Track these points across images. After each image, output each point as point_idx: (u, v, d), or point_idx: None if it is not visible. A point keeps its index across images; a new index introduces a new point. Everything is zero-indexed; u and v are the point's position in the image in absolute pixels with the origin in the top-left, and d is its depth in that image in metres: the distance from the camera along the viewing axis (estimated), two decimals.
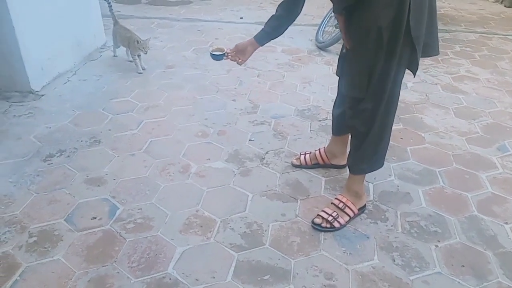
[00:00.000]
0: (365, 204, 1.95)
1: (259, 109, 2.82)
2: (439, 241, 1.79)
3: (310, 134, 2.55)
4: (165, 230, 1.79)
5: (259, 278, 1.59)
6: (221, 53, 2.04)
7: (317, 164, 2.22)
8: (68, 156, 2.26)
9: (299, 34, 4.26)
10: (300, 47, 3.94)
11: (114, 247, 1.70)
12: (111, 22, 3.47)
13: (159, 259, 1.65)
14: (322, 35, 3.96)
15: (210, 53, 2.06)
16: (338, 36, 3.72)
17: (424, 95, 3.04)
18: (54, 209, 1.89)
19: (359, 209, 1.90)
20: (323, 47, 3.89)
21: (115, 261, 1.63)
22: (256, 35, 1.95)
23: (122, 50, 3.47)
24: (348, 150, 1.97)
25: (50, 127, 2.51)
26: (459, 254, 1.73)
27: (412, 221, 1.89)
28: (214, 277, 1.59)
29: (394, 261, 1.69)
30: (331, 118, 2.13)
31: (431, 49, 1.66)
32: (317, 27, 4.10)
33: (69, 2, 3.19)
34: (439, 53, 1.71)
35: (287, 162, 2.28)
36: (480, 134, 2.61)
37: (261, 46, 1.97)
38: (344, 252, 1.72)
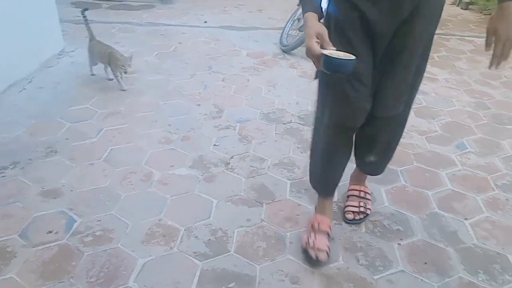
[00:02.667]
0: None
1: (224, 114, 2.80)
2: (401, 240, 1.81)
3: (275, 138, 2.54)
4: (126, 241, 1.73)
5: (224, 287, 1.56)
6: (352, 57, 1.22)
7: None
8: (23, 167, 2.16)
9: (264, 38, 4.26)
10: (265, 51, 3.94)
11: (71, 262, 1.62)
12: (71, 29, 3.35)
13: (119, 272, 1.59)
14: (286, 39, 3.97)
15: (328, 57, 1.22)
16: (302, 39, 3.74)
17: None
18: (7, 224, 1.80)
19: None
20: (287, 50, 3.90)
21: (72, 277, 1.56)
22: (312, 7, 1.34)
23: (99, 68, 3.28)
24: None
25: (3, 138, 2.39)
26: (421, 251, 1.76)
27: (375, 221, 1.91)
28: None
29: (359, 261, 1.70)
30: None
31: None
32: (281, 31, 4.11)
33: (23, 7, 3.06)
34: None
35: (252, 166, 2.26)
36: (439, 132, 2.67)
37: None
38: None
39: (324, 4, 1.38)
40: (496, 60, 1.39)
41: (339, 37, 1.41)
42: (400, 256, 1.72)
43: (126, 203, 1.95)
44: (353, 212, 1.88)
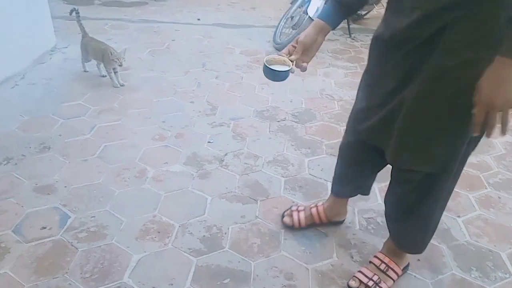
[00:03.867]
0: (409, 263, 1.65)
1: (218, 111, 2.79)
2: None
3: (269, 135, 2.55)
4: (120, 237, 1.73)
5: (218, 283, 1.56)
6: (286, 68, 1.30)
7: (313, 223, 1.83)
8: (16, 163, 2.14)
9: (257, 36, 4.26)
10: (258, 49, 3.94)
11: (65, 257, 1.62)
12: (63, 25, 3.32)
13: (113, 268, 1.59)
14: (279, 37, 3.98)
15: (269, 69, 1.30)
16: (296, 37, 3.74)
17: None
18: (1, 220, 1.78)
19: (403, 269, 1.62)
20: (280, 48, 3.90)
21: (67, 272, 1.55)
22: (322, 15, 1.33)
23: (92, 65, 3.24)
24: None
25: None
26: None
27: (369, 218, 1.92)
28: (172, 284, 1.54)
29: (353, 258, 1.71)
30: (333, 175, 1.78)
31: None
32: (274, 29, 4.11)
33: (15, 3, 3.03)
34: None
35: (246, 163, 2.26)
36: None
37: (334, 29, 1.35)
38: (304, 252, 1.72)
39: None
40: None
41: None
42: None
43: (120, 200, 1.94)
44: (360, 281, 1.56)
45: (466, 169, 2.25)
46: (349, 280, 1.58)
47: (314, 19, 3.51)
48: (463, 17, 1.03)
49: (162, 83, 3.13)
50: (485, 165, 2.37)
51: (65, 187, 2.00)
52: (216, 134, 2.52)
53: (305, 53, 1.33)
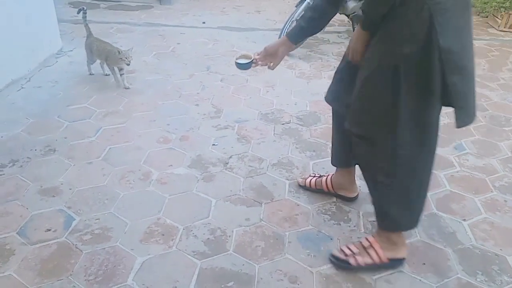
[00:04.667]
0: (403, 259, 1.67)
1: (223, 114, 2.80)
2: None
3: (274, 138, 2.55)
4: (125, 240, 1.73)
5: (222, 286, 1.56)
6: (248, 60, 1.85)
7: (322, 190, 2.03)
8: (21, 166, 2.15)
9: (262, 39, 4.27)
10: None
11: (69, 260, 1.62)
12: (69, 28, 3.35)
13: (118, 270, 1.59)
14: None
15: (235, 62, 1.87)
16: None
17: None
18: (6, 222, 1.79)
19: (390, 260, 1.64)
20: None
21: (71, 275, 1.56)
22: (288, 33, 1.70)
23: (97, 67, 3.26)
24: (354, 181, 1.96)
25: (2, 136, 2.39)
26: (420, 252, 1.76)
27: (374, 221, 1.89)
28: (176, 287, 1.54)
29: None
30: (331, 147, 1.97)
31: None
32: (279, 32, 4.11)
33: (22, 7, 3.06)
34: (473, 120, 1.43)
35: (251, 166, 2.26)
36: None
37: (295, 45, 1.72)
38: (308, 255, 1.71)
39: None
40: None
41: None
42: None
43: (125, 202, 1.94)
44: (344, 252, 1.67)
45: (471, 172, 2.28)
46: (334, 251, 1.71)
47: None
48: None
49: (167, 86, 3.14)
50: (491, 168, 2.35)
51: (70, 189, 2.00)
52: (221, 136, 2.52)
53: (269, 58, 1.77)
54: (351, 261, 1.63)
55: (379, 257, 1.63)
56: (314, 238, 1.80)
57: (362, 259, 1.63)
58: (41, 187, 2.01)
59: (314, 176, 2.09)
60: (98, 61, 3.15)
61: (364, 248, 1.65)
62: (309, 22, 1.63)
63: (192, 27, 4.54)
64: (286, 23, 4.07)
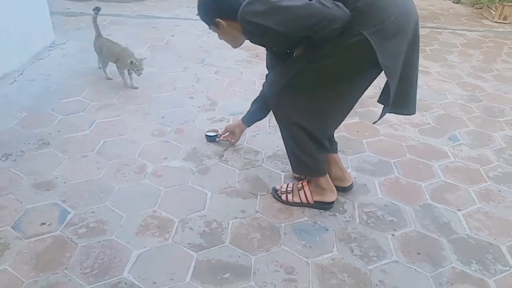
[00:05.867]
0: (331, 203, 1.91)
1: (217, 106, 2.79)
2: (395, 230, 1.82)
3: (269, 130, 2.54)
4: (120, 233, 1.73)
5: (219, 277, 1.56)
6: (215, 133, 2.37)
7: None
8: (15, 160, 2.13)
9: None
10: None
11: (65, 253, 1.61)
12: (62, 21, 3.31)
13: (113, 263, 1.58)
14: None
15: (205, 134, 2.37)
16: None
17: (378, 89, 3.07)
18: (0, 216, 1.78)
19: (315, 201, 1.90)
20: None
21: (67, 268, 1.55)
22: (243, 117, 2.18)
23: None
24: (345, 170, 2.02)
25: None
26: (415, 242, 1.77)
27: (369, 212, 1.92)
28: (172, 279, 1.54)
29: (353, 251, 1.71)
30: None
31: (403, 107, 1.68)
32: None
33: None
34: (415, 112, 1.71)
35: (246, 158, 2.26)
36: (432, 125, 2.69)
37: (248, 127, 2.22)
38: (304, 246, 1.72)
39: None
40: None
41: None
42: (393, 247, 1.74)
43: (120, 195, 1.94)
44: (281, 188, 1.96)
45: (465, 162, 2.29)
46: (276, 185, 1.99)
47: None
48: None
49: (161, 79, 3.12)
50: (484, 158, 2.36)
51: (65, 183, 1.99)
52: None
53: (230, 135, 2.31)
54: (283, 197, 1.93)
55: (307, 199, 1.90)
56: (310, 229, 1.80)
57: (292, 198, 1.92)
58: (35, 180, 2.00)
59: None
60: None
61: (298, 189, 1.91)
62: (256, 109, 2.10)
63: (186, 19, 4.50)
64: None
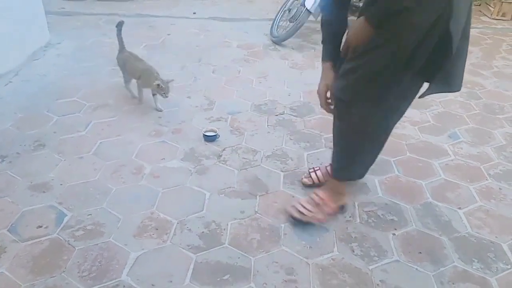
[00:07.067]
0: (345, 204, 1.88)
1: (215, 106, 2.76)
2: (396, 229, 1.81)
3: (267, 129, 2.52)
4: (118, 235, 1.70)
5: (218, 279, 1.54)
6: (214, 133, 2.33)
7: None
8: (10, 162, 2.11)
9: (254, 29, 4.22)
10: (255, 42, 3.90)
11: (62, 256, 1.59)
12: (57, 21, 3.27)
13: (111, 266, 1.56)
14: (276, 30, 3.94)
15: (203, 134, 2.33)
16: (293, 30, 3.71)
17: None
18: None
19: (339, 207, 1.84)
20: (278, 41, 3.87)
21: (64, 271, 1.53)
22: (325, 56, 1.70)
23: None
24: None
25: None
26: (416, 241, 1.76)
27: (369, 211, 1.90)
28: (171, 281, 1.52)
29: (353, 251, 1.69)
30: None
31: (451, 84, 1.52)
32: (271, 22, 4.07)
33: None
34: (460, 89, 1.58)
35: (245, 158, 2.23)
36: (431, 123, 2.67)
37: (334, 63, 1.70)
38: (304, 246, 1.70)
39: None
40: None
41: None
42: (394, 246, 1.72)
43: (117, 197, 1.91)
44: (299, 211, 1.79)
45: (466, 160, 2.28)
46: (290, 210, 1.82)
47: (311, 11, 3.49)
48: None
49: None
50: (485, 156, 2.35)
51: (61, 184, 1.97)
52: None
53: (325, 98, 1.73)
54: (314, 221, 1.79)
55: (332, 209, 1.81)
56: (310, 230, 1.78)
57: (322, 216, 1.79)
58: (31, 183, 1.97)
59: (314, 170, 2.05)
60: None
61: (318, 205, 1.79)
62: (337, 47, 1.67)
63: (182, 18, 4.47)
64: (278, 12, 4.03)
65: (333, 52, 1.66)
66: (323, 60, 1.70)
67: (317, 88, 1.71)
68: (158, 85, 2.50)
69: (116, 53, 2.83)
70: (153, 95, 2.65)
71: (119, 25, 2.79)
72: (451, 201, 1.99)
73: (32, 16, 3.36)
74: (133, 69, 2.68)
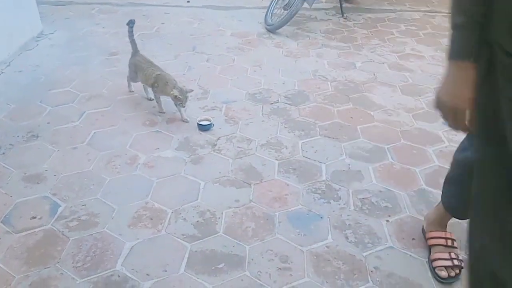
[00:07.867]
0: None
1: (210, 95, 2.75)
2: (390, 216, 1.81)
3: (262, 118, 2.51)
4: (112, 225, 1.70)
5: (213, 268, 1.55)
6: (208, 122, 2.34)
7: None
8: (4, 153, 2.10)
9: (248, 17, 4.19)
10: (250, 30, 3.87)
11: (56, 247, 1.59)
12: (49, 10, 3.23)
13: (106, 256, 1.57)
14: (271, 18, 3.91)
15: (197, 123, 2.33)
16: (287, 18, 3.68)
17: (372, 74, 3.07)
18: None
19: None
20: (272, 29, 3.84)
21: (58, 262, 1.53)
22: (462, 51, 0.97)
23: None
24: None
25: None
26: (410, 227, 1.76)
27: (363, 198, 1.91)
28: (166, 270, 1.53)
29: (348, 238, 1.70)
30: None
31: None
32: (266, 10, 4.04)
33: None
34: None
35: (239, 147, 2.23)
36: (426, 109, 2.67)
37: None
38: (298, 234, 1.71)
39: None
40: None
41: None
42: (388, 233, 1.73)
43: (112, 187, 1.91)
44: (446, 267, 1.55)
45: None
46: (436, 271, 1.55)
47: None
48: None
49: None
50: None
51: (55, 175, 1.96)
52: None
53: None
54: (463, 264, 1.56)
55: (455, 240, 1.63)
56: (304, 217, 1.79)
57: (462, 254, 1.60)
58: (25, 174, 1.97)
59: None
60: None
61: (450, 246, 1.61)
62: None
63: (176, 6, 4.43)
64: (273, 0, 3.99)
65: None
66: (457, 58, 0.98)
67: (442, 98, 1.03)
68: (176, 96, 2.34)
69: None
70: (176, 105, 2.44)
71: (131, 24, 2.61)
72: None
73: (24, 6, 3.32)
74: (145, 77, 2.50)
